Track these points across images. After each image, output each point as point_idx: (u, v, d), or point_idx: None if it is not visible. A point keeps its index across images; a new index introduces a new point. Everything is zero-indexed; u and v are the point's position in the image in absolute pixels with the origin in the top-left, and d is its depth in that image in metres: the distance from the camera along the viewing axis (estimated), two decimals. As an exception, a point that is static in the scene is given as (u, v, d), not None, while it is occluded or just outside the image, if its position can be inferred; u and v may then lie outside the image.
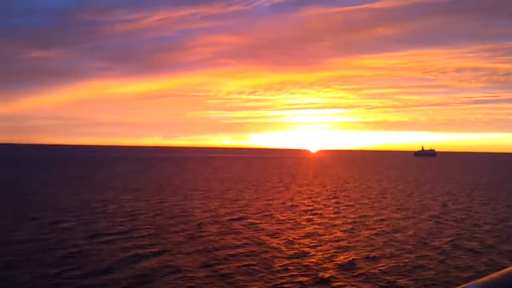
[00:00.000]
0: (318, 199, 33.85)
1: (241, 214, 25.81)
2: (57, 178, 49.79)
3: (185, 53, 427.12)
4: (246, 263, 15.34)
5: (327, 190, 41.28)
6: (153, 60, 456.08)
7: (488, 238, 20.49)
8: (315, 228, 21.88)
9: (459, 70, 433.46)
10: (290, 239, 19.31)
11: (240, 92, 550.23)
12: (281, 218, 24.92)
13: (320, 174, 68.37)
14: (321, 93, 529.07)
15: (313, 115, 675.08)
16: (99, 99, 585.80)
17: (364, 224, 23.31)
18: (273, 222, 23.56)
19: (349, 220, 24.48)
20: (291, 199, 33.56)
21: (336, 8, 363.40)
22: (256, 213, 26.31)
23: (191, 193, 36.41)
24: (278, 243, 18.42)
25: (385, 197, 36.23)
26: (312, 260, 15.90)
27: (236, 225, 22.43)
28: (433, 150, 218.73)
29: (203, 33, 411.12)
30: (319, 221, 24.11)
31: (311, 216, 25.60)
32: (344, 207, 29.78)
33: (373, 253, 17.01)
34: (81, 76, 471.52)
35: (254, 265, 15.12)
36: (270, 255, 16.49)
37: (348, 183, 50.81)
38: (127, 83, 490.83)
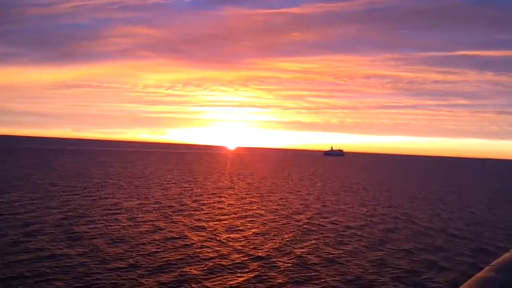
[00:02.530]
0: (183, 199, 32.16)
1: (71, 214, 23.06)
2: None
3: (101, 42, 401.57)
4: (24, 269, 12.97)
5: (200, 188, 39.89)
6: (67, 47, 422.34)
7: (325, 239, 20.22)
8: (140, 231, 20.06)
9: (367, 76, 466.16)
10: (95, 243, 17.24)
11: (158, 86, 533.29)
12: (110, 219, 22.68)
13: (213, 171, 67.26)
14: (239, 91, 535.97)
15: (231, 113, 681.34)
16: (6, 87, 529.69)
17: (197, 225, 22.04)
18: (89, 222, 21.21)
19: (185, 220, 23.07)
20: (152, 198, 31.47)
21: (257, 10, 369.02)
22: (93, 215, 23.77)
23: (44, 189, 32.57)
24: (77, 250, 16.25)
25: (251, 195, 35.71)
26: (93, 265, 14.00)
27: (44, 228, 19.65)
28: (341, 151, 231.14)
29: (121, 24, 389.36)
30: (157, 222, 22.35)
31: (148, 217, 23.73)
32: (202, 206, 28.48)
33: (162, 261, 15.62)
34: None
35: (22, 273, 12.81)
36: (63, 257, 14.26)
37: (232, 180, 50.11)
38: (37, 70, 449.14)
